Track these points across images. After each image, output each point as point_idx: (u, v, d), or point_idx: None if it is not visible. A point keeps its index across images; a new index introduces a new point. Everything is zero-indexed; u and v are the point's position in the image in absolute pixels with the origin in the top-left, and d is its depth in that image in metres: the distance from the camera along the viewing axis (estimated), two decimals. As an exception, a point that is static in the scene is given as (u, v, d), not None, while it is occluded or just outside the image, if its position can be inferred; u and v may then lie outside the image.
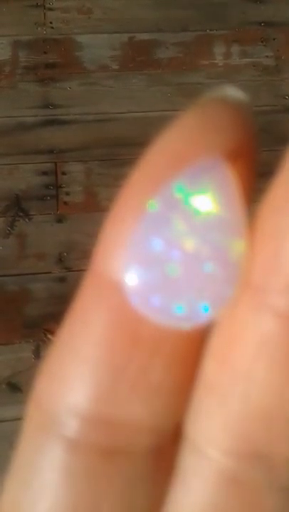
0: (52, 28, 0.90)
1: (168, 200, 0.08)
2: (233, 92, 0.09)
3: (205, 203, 0.08)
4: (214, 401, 0.08)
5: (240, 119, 0.09)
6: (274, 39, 0.91)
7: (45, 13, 0.90)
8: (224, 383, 0.08)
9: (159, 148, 0.09)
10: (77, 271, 0.73)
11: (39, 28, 0.89)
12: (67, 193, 0.79)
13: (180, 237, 0.08)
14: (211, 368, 0.08)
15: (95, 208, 0.78)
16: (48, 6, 0.91)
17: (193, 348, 0.09)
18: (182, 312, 0.08)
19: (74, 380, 0.08)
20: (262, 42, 0.91)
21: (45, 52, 0.88)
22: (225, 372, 0.08)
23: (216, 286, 0.08)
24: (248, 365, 0.08)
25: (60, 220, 0.77)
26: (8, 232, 0.76)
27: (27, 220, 0.77)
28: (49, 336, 0.70)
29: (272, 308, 0.08)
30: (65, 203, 0.78)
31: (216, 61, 0.89)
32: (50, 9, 0.91)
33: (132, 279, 0.08)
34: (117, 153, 0.81)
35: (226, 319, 0.08)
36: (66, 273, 0.74)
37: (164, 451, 0.09)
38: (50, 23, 0.90)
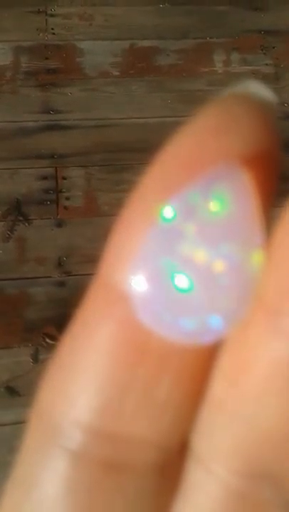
0: (53, 34, 0.90)
1: (180, 208, 0.08)
2: (256, 89, 0.08)
3: (219, 212, 0.08)
4: (222, 421, 0.08)
5: (264, 119, 0.08)
6: (273, 47, 0.92)
7: (46, 19, 0.91)
8: (234, 404, 0.08)
9: (172, 151, 0.08)
10: (77, 275, 0.73)
11: (41, 34, 0.90)
12: (68, 198, 0.79)
13: (191, 248, 0.08)
14: (221, 388, 0.08)
15: (95, 212, 0.78)
16: (49, 12, 0.91)
17: (201, 363, 0.08)
18: (192, 327, 0.08)
19: (78, 392, 0.08)
20: (261, 50, 0.91)
21: (46, 58, 0.88)
22: (235, 393, 0.08)
23: (229, 301, 0.08)
24: (259, 389, 0.08)
25: (60, 225, 0.77)
26: (8, 236, 0.76)
27: (27, 224, 0.77)
28: (48, 340, 0.70)
29: (286, 333, 0.07)
30: (65, 207, 0.78)
31: (215, 68, 0.90)
32: (52, 15, 0.91)
33: (139, 291, 0.08)
34: (118, 158, 0.81)
35: (237, 339, 0.08)
36: (66, 277, 0.74)
37: (169, 466, 0.08)
38: (52, 29, 0.90)
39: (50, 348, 0.69)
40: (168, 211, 0.08)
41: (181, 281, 0.08)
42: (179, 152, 0.08)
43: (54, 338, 0.69)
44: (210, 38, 0.91)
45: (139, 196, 0.08)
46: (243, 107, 0.08)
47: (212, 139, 0.08)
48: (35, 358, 0.69)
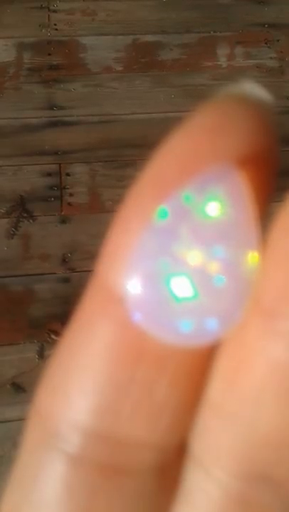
0: (56, 29, 0.90)
1: (175, 209, 0.08)
2: (252, 89, 0.08)
3: (215, 213, 0.08)
4: (220, 423, 0.08)
5: (260, 119, 0.08)
6: (278, 40, 0.91)
7: (49, 15, 0.91)
8: (231, 407, 0.08)
9: (167, 152, 0.08)
10: (81, 271, 0.73)
11: (43, 30, 0.90)
12: (71, 194, 0.79)
13: (187, 249, 0.08)
14: (218, 390, 0.08)
15: (99, 209, 0.78)
16: (52, 7, 0.91)
17: (199, 364, 0.08)
18: (188, 329, 0.08)
19: (76, 394, 0.08)
20: (265, 43, 0.91)
21: (49, 54, 0.88)
22: (232, 396, 0.08)
23: (225, 302, 0.08)
24: (256, 391, 0.08)
25: (64, 221, 0.77)
26: (12, 233, 0.76)
27: (31, 221, 0.77)
28: (53, 336, 0.70)
29: (283, 334, 0.07)
30: (69, 204, 0.78)
31: (219, 63, 0.89)
32: (55, 11, 0.91)
33: (135, 293, 0.08)
34: (121, 154, 0.81)
35: (235, 341, 0.08)
36: (70, 274, 0.74)
37: (167, 467, 0.08)
38: (55, 24, 0.90)
39: (56, 345, 0.69)
40: (163, 212, 0.08)
41: (177, 283, 0.08)
42: (175, 153, 0.08)
43: (59, 335, 0.69)
44: (213, 32, 0.91)
45: (134, 197, 0.08)
46: (239, 107, 0.08)
47: (207, 139, 0.08)
48: (41, 355, 0.70)
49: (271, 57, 0.90)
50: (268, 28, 0.92)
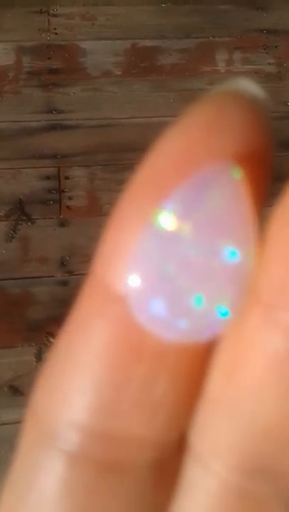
0: (56, 34, 0.90)
1: (172, 207, 0.08)
2: (247, 86, 0.08)
3: (212, 210, 0.08)
4: (220, 417, 0.08)
5: (255, 116, 0.08)
6: (276, 46, 0.91)
7: (49, 19, 0.91)
8: (231, 401, 0.08)
9: (162, 150, 0.08)
10: (80, 275, 0.73)
11: (43, 34, 0.90)
12: (70, 198, 0.79)
13: (185, 246, 0.08)
14: (218, 384, 0.08)
15: (98, 212, 0.78)
16: (52, 12, 0.92)
17: (198, 360, 0.08)
18: (187, 325, 0.08)
19: (73, 393, 0.08)
20: (264, 49, 0.91)
21: (48, 58, 0.88)
22: (232, 389, 0.08)
23: (223, 297, 0.08)
24: (256, 383, 0.08)
25: (62, 225, 0.77)
26: (11, 235, 0.76)
27: (30, 224, 0.77)
28: (51, 339, 0.70)
29: (282, 326, 0.07)
30: (68, 207, 0.78)
31: (218, 68, 0.90)
32: (54, 15, 0.91)
33: (134, 290, 0.08)
34: (120, 158, 0.81)
35: (234, 334, 0.08)
36: (69, 277, 0.74)
37: (166, 463, 0.08)
38: (54, 29, 0.90)
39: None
40: (160, 210, 0.08)
41: (175, 280, 0.08)
42: (169, 151, 0.08)
43: (57, 338, 0.69)
44: (212, 37, 0.91)
45: (130, 195, 0.08)
46: (234, 104, 0.08)
47: (202, 137, 0.08)
48: (39, 357, 0.70)
49: (269, 63, 0.90)
50: (267, 34, 0.92)
